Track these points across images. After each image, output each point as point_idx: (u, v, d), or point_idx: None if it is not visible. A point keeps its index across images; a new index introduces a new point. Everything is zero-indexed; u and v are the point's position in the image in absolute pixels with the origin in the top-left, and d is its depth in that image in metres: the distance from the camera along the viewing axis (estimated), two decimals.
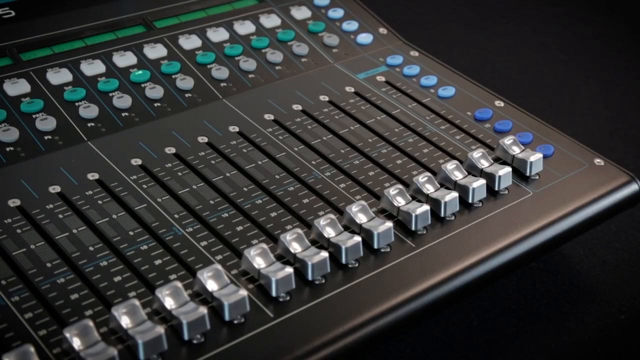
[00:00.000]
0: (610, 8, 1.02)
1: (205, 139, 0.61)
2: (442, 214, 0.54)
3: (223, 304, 0.46)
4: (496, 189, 0.57)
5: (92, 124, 0.61)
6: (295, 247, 0.50)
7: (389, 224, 0.52)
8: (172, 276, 0.49)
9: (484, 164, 0.58)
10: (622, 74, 0.89)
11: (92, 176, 0.56)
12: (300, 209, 0.55)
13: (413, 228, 0.53)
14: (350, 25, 0.75)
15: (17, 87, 0.62)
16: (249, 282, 0.49)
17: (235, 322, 0.46)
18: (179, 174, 0.57)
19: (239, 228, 0.53)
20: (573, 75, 0.89)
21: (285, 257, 0.50)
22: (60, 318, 0.45)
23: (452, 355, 0.55)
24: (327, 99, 0.66)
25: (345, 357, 0.47)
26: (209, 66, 0.68)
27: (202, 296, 0.47)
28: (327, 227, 0.51)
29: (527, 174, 0.58)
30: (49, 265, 0.49)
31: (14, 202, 0.53)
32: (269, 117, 0.64)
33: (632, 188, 0.60)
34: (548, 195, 0.58)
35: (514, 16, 1.01)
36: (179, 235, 0.52)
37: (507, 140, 0.60)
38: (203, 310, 0.45)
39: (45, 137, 0.59)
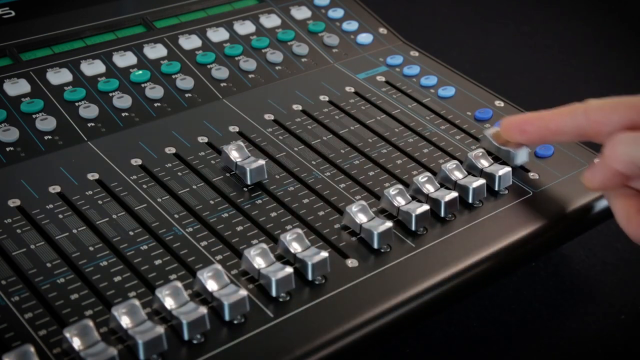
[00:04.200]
0: (610, 8, 1.02)
1: (205, 139, 0.61)
2: (442, 214, 0.54)
3: (223, 304, 0.46)
4: (496, 189, 0.57)
5: (92, 124, 0.61)
6: (295, 247, 0.50)
7: (389, 224, 0.52)
8: (172, 276, 0.49)
9: (484, 164, 0.58)
10: (622, 74, 0.89)
11: (92, 176, 0.56)
12: (301, 209, 0.55)
13: (413, 228, 0.53)
14: (350, 25, 0.75)
15: (17, 87, 0.62)
16: (249, 282, 0.49)
17: (235, 322, 0.46)
18: (179, 174, 0.57)
19: (239, 228, 0.53)
20: (573, 75, 0.89)
21: (285, 257, 0.50)
22: (60, 318, 0.45)
23: (452, 355, 0.55)
24: (327, 99, 0.66)
25: (345, 357, 0.47)
26: (209, 66, 0.68)
27: (202, 296, 0.47)
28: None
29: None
30: (49, 265, 0.49)
31: (14, 202, 0.53)
32: (269, 117, 0.64)
33: None
34: (548, 195, 0.58)
35: (514, 16, 1.00)
36: (179, 235, 0.52)
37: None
38: (203, 310, 0.45)
39: (45, 137, 0.59)
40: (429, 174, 0.56)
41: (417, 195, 0.55)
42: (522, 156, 0.59)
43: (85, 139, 0.60)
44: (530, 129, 0.55)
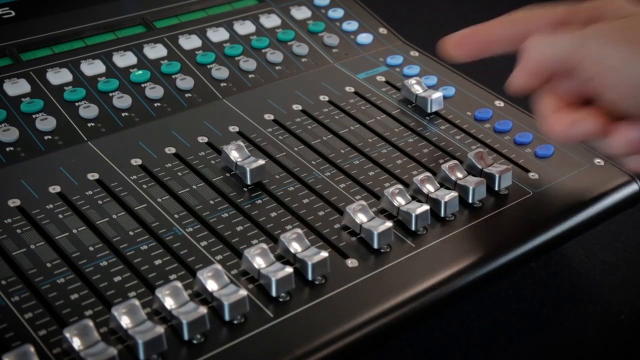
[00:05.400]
0: None
1: (205, 139, 0.61)
2: (442, 214, 0.54)
3: (223, 304, 0.46)
4: (496, 188, 0.57)
5: (92, 124, 0.61)
6: (295, 247, 0.50)
7: (389, 224, 0.52)
8: (172, 276, 0.49)
9: (484, 163, 0.58)
10: None
11: (92, 176, 0.56)
12: (301, 209, 0.55)
13: (413, 228, 0.53)
14: (350, 25, 0.75)
15: (17, 87, 0.62)
16: (249, 282, 0.49)
17: (235, 322, 0.46)
18: (179, 174, 0.57)
19: (239, 228, 0.53)
20: None
21: (285, 257, 0.50)
22: (60, 318, 0.45)
23: (452, 355, 0.55)
24: (327, 99, 0.66)
25: (345, 357, 0.47)
26: (209, 66, 0.68)
27: (202, 296, 0.47)
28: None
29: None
30: (49, 265, 0.49)
31: (14, 202, 0.53)
32: (269, 117, 0.64)
33: (632, 188, 0.60)
34: (548, 195, 0.58)
35: None
36: (179, 235, 0.52)
37: (413, 81, 0.65)
38: (203, 310, 0.45)
39: (45, 137, 0.59)
40: (429, 174, 0.56)
41: (417, 195, 0.55)
42: (436, 103, 0.65)
43: (85, 139, 0.60)
44: (466, 41, 0.60)
